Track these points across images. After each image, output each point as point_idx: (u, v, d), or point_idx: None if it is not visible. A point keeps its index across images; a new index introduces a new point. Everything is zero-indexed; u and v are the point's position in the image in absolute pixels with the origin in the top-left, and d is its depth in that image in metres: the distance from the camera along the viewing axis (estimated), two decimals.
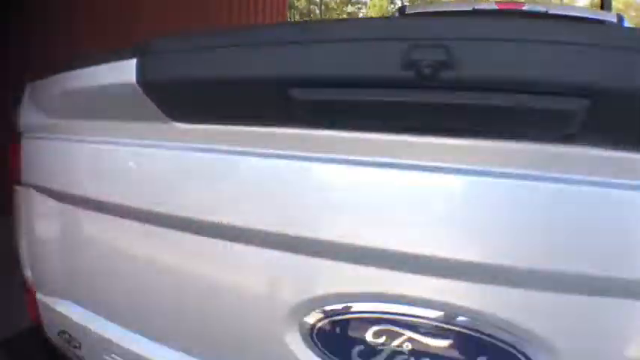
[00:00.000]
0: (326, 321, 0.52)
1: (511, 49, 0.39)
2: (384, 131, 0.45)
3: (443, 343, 0.47)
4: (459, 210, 0.45)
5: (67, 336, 0.86)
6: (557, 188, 0.41)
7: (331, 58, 0.43)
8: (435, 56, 0.39)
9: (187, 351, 0.65)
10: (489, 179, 0.43)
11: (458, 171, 0.43)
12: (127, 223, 0.65)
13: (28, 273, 0.90)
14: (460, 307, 0.46)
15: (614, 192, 0.39)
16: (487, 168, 0.42)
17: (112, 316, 0.74)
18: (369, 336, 0.50)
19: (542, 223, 0.43)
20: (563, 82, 0.38)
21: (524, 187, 0.42)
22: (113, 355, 0.76)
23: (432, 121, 0.41)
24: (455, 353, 0.47)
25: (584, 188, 0.41)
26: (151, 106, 0.56)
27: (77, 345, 0.85)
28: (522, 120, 0.41)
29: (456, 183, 0.44)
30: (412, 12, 2.64)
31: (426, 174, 0.44)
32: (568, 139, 0.39)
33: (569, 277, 0.42)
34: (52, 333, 0.89)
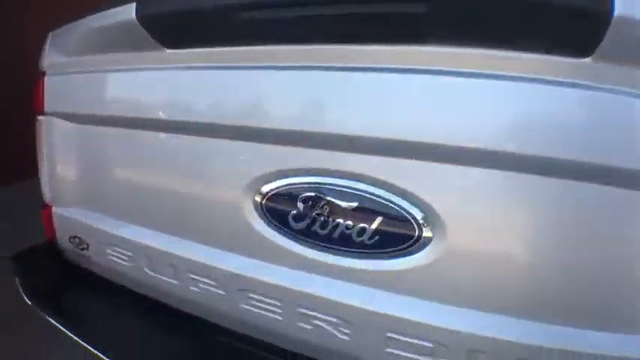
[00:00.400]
0: (270, 195, 0.71)
1: None
2: (297, 42, 0.64)
3: (353, 204, 0.66)
4: (368, 99, 0.62)
5: (76, 240, 1.05)
6: (428, 78, 0.59)
7: None
8: None
9: (174, 233, 0.84)
10: (384, 74, 0.61)
11: (360, 69, 0.61)
12: (126, 132, 0.84)
13: (46, 193, 1.09)
14: (366, 176, 0.64)
15: (457, 79, 0.57)
16: (378, 64, 0.60)
17: (114, 213, 0.93)
18: (299, 203, 0.68)
19: (422, 107, 0.60)
20: None
21: (408, 78, 0.60)
22: (114, 248, 0.95)
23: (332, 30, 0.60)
24: (362, 213, 0.65)
25: (445, 78, 0.58)
26: (147, 36, 0.75)
27: (85, 246, 1.04)
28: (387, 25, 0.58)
29: (361, 78, 0.62)
30: None
31: (337, 73, 0.62)
32: (421, 39, 0.57)
33: (449, 149, 0.58)
34: (64, 241, 1.08)
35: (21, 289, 1.04)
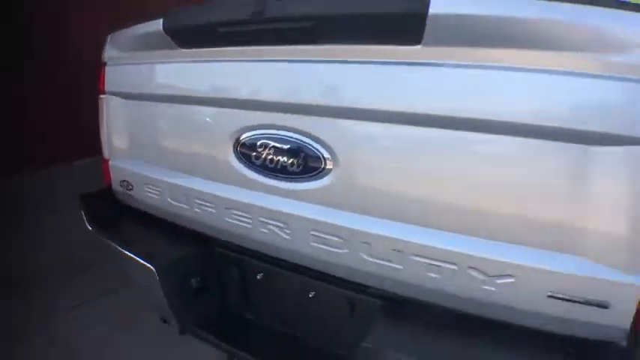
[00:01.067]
0: (242, 142, 1.08)
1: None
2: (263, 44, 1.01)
3: (287, 146, 1.02)
4: (294, 78, 0.98)
5: (125, 183, 1.49)
6: (324, 65, 0.93)
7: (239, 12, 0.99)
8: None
9: (185, 172, 1.24)
10: (310, 64, 0.96)
11: (287, 60, 0.97)
12: (155, 105, 1.25)
13: (105, 150, 1.53)
14: (296, 129, 0.99)
15: (343, 65, 0.91)
16: (297, 57, 0.95)
17: (150, 162, 1.35)
18: (258, 147, 1.05)
19: (324, 81, 0.95)
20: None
21: (313, 66, 0.95)
22: (150, 186, 1.37)
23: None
24: (292, 153, 1.00)
25: (336, 65, 0.92)
26: (169, 40, 1.15)
27: (130, 187, 1.47)
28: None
29: (297, 67, 0.97)
30: None
31: (285, 64, 0.99)
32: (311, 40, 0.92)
33: (340, 109, 0.93)
34: (116, 184, 1.52)
35: (85, 219, 1.49)
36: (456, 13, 0.77)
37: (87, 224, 1.47)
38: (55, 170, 4.06)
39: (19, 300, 2.42)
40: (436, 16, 0.78)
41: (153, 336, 2.03)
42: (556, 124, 0.73)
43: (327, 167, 0.96)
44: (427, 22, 0.79)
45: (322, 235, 0.99)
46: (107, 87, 1.44)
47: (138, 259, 1.25)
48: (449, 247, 0.85)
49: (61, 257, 2.84)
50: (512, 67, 0.76)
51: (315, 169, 0.97)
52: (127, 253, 1.30)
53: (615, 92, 0.70)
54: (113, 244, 1.36)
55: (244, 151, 1.08)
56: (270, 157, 1.03)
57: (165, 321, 1.45)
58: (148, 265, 1.21)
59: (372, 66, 0.88)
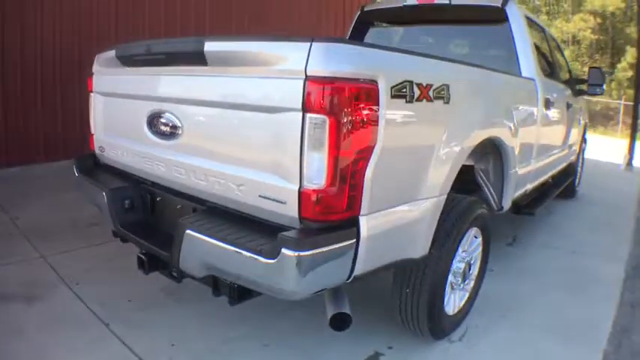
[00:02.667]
0: (150, 119, 1.94)
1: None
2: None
3: (165, 120, 1.86)
4: (167, 83, 1.83)
5: (101, 147, 2.38)
6: (176, 77, 1.77)
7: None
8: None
9: (125, 137, 2.11)
10: (171, 76, 1.80)
11: (167, 74, 1.82)
12: (116, 99, 2.14)
13: (91, 127, 2.44)
14: (169, 112, 1.84)
15: (174, 75, 1.74)
16: (169, 72, 1.80)
17: (110, 133, 2.24)
18: (155, 121, 1.90)
19: (171, 85, 1.79)
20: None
21: (175, 75, 1.78)
22: (113, 148, 2.25)
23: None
24: (168, 124, 1.85)
25: (174, 76, 1.76)
26: (119, 62, 2.03)
27: (103, 150, 2.37)
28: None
29: (167, 78, 1.82)
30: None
31: (164, 76, 1.84)
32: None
33: (180, 99, 1.76)
34: (96, 149, 2.42)
35: (75, 171, 2.39)
36: (218, 50, 1.59)
37: (75, 172, 2.38)
38: None
39: None
40: (209, 52, 1.59)
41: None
42: (261, 103, 1.50)
43: (179, 132, 1.79)
44: (205, 54, 1.59)
45: (180, 169, 1.81)
46: (93, 88, 2.35)
47: (97, 187, 2.13)
48: (225, 171, 1.64)
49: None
50: (247, 75, 1.54)
51: (175, 133, 1.80)
52: (93, 185, 2.19)
53: (275, 85, 1.46)
54: (87, 181, 2.25)
55: (150, 123, 1.93)
56: (160, 126, 1.88)
57: (115, 235, 2.30)
58: (101, 191, 2.08)
59: (191, 76, 1.72)
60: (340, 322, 1.61)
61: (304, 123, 1.35)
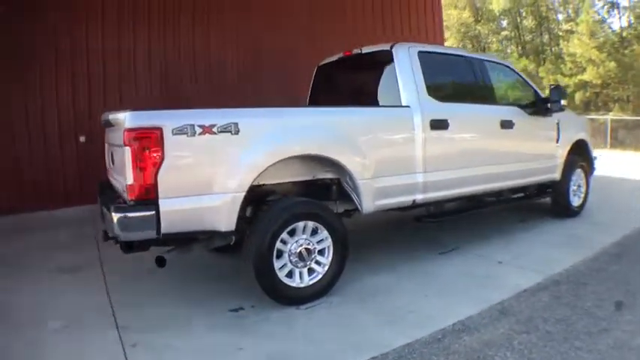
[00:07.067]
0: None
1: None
2: None
3: None
4: None
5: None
6: None
7: None
8: None
9: None
10: None
11: None
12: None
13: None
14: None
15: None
16: None
17: None
18: None
19: None
20: None
21: None
22: None
23: None
24: None
25: None
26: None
27: None
28: None
29: None
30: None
31: None
32: None
33: None
34: None
35: None
36: (111, 119, 3.04)
37: None
38: None
39: None
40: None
41: None
42: (117, 143, 2.87)
43: None
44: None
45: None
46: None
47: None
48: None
49: None
50: (118, 129, 2.97)
51: None
52: None
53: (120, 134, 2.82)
54: None
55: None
56: None
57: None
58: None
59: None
60: (160, 262, 2.84)
61: (125, 152, 2.69)
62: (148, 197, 2.67)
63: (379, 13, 9.01)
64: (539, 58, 26.55)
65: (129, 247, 2.93)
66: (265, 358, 2.48)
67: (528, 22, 28.08)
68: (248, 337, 2.71)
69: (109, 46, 6.23)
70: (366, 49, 4.21)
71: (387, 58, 3.90)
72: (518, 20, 28.24)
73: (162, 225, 2.69)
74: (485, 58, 4.68)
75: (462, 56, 4.44)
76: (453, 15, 29.56)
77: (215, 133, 2.81)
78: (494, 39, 29.30)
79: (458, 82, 4.37)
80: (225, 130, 2.84)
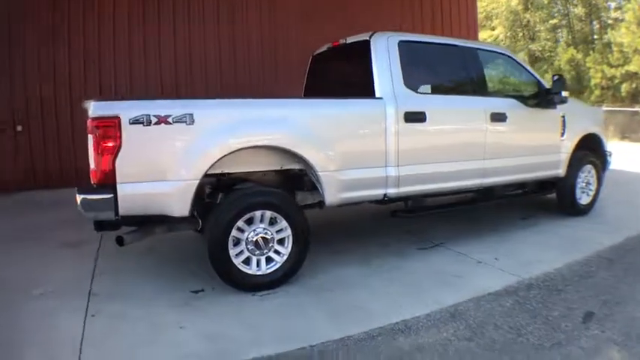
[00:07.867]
0: None
1: None
2: None
3: None
4: None
5: None
6: None
7: None
8: None
9: None
10: None
11: None
12: None
13: None
14: None
15: None
16: None
17: None
18: None
19: None
20: None
21: None
22: None
23: None
24: None
25: None
26: None
27: None
28: None
29: None
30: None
31: None
32: None
33: None
34: None
35: None
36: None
37: None
38: None
39: None
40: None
41: None
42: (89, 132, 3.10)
43: None
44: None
45: None
46: None
47: None
48: None
49: None
50: None
51: None
52: None
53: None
54: None
55: None
56: None
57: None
58: None
59: None
60: (119, 241, 3.07)
61: (89, 139, 2.92)
62: (108, 181, 2.88)
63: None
64: (587, 47, 24.59)
65: (100, 225, 3.18)
66: (202, 338, 2.61)
67: (578, 10, 26.06)
68: (195, 317, 2.86)
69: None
70: (349, 39, 4.18)
71: (366, 49, 3.85)
72: (569, 8, 26.30)
73: (120, 207, 2.89)
74: (480, 47, 4.47)
75: (450, 45, 4.27)
76: (502, 2, 28.01)
77: (170, 123, 2.96)
78: (542, 27, 27.40)
79: (442, 73, 4.22)
80: (180, 120, 2.97)
